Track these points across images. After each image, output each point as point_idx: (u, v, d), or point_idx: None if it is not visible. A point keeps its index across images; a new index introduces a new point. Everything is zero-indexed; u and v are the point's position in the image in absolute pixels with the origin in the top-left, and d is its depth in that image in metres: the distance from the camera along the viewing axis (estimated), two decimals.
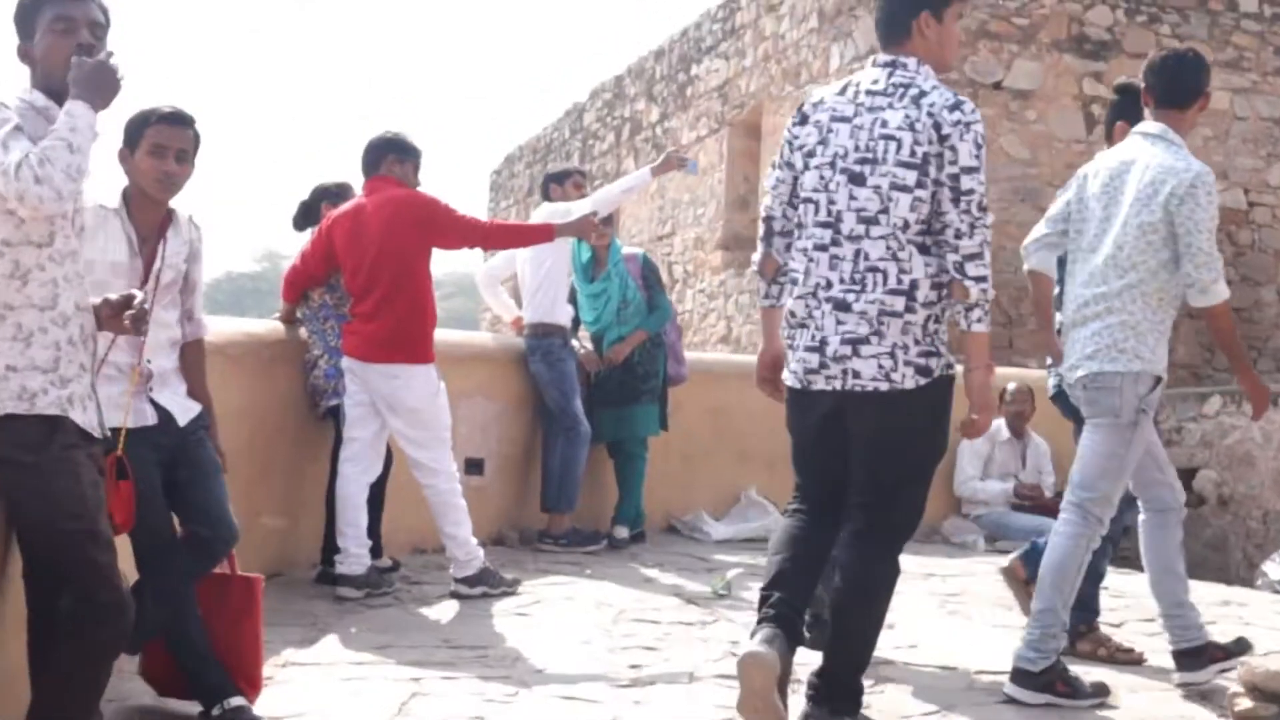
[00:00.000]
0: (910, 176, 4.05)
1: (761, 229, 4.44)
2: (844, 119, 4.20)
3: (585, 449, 7.94)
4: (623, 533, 8.12)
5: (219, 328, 6.18)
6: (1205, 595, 7.43)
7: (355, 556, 6.29)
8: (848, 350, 4.11)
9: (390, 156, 6.61)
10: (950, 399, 4.28)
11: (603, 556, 7.75)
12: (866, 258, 4.10)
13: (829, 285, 4.15)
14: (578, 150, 21.19)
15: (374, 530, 6.59)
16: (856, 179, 4.13)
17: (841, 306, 4.11)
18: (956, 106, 4.08)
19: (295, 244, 7.16)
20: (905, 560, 7.94)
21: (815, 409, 4.25)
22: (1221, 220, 12.46)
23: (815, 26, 14.03)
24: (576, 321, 8.33)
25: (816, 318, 4.17)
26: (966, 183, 4.03)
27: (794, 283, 4.26)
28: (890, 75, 4.19)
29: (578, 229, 6.93)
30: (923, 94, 4.11)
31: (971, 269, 4.03)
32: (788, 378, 4.33)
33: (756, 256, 4.46)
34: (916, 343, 4.10)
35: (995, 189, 12.15)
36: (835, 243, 4.15)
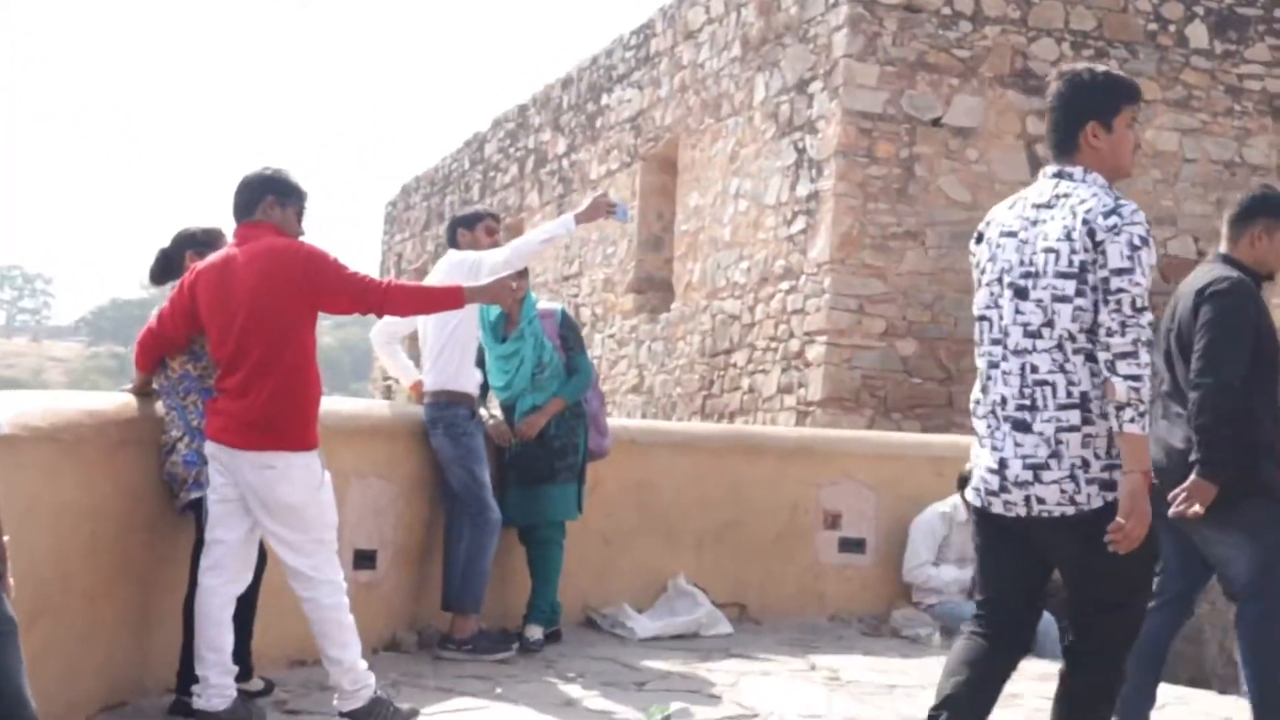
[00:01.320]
0: (1069, 286, 4.01)
1: None
2: (1011, 234, 4.17)
3: (494, 537, 6.87)
4: (536, 633, 7.04)
5: (49, 406, 5.07)
6: (1203, 707, 6.54)
7: (217, 688, 5.16)
8: (1029, 476, 4.03)
9: (268, 198, 5.48)
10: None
11: (515, 664, 6.66)
12: (1035, 371, 4.04)
13: (1004, 403, 4.10)
14: (478, 183, 20.14)
15: (242, 648, 5.47)
16: (1020, 293, 4.09)
17: (1020, 427, 4.06)
18: (1113, 212, 3.99)
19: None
20: (857, 668, 6.96)
21: (997, 530, 4.19)
22: (1169, 270, 11.77)
23: (738, 55, 13.11)
24: (485, 387, 7.27)
25: (997, 438, 4.11)
26: (1115, 283, 3.95)
27: (975, 401, 4.23)
28: (1055, 186, 4.15)
29: (491, 294, 5.84)
30: (1081, 201, 4.05)
31: (1123, 367, 3.92)
32: (970, 494, 4.26)
33: None
34: (1098, 457, 3.99)
35: (933, 233, 11.31)
36: (1005, 359, 4.11)
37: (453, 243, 7.20)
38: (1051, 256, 4.01)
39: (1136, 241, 3.93)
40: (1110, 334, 3.92)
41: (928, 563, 8.24)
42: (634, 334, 14.76)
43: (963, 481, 8.36)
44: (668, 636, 7.51)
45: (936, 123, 11.37)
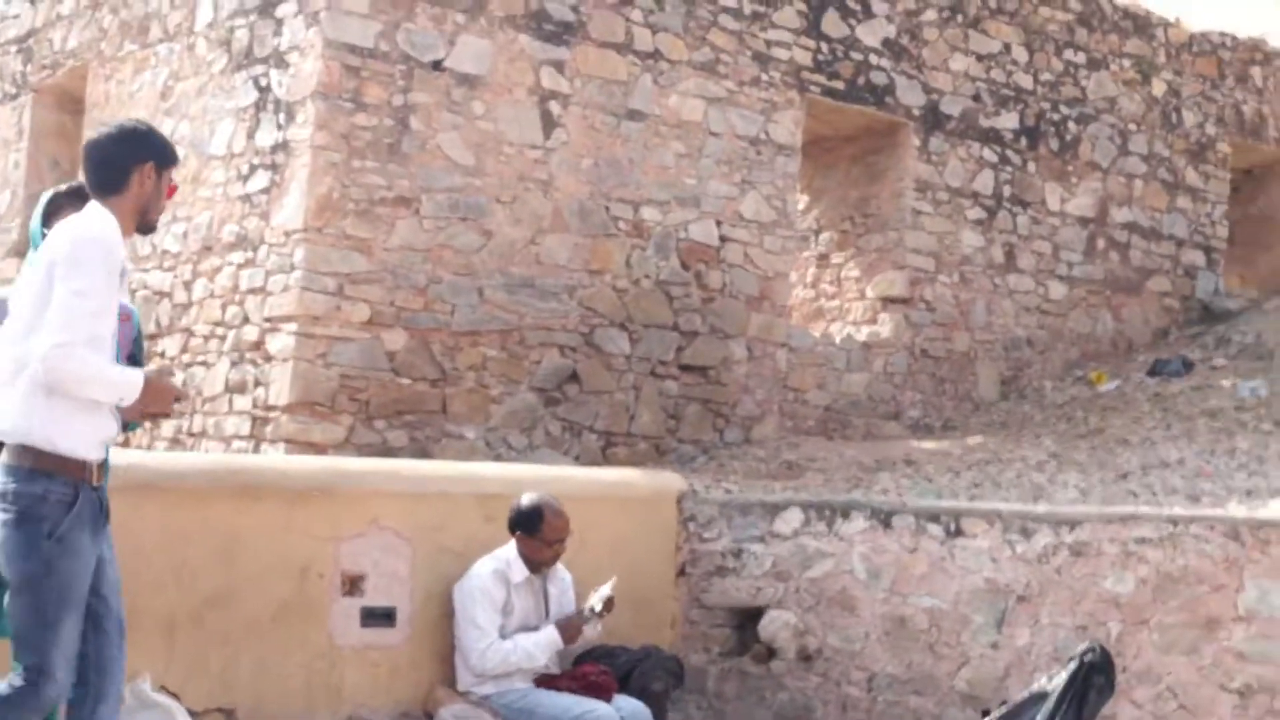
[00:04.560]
0: None
1: None
2: None
3: None
4: None
5: None
6: None
7: None
8: None
9: None
10: None
11: None
12: None
13: None
14: None
15: None
16: None
17: None
18: None
19: None
20: None
21: None
22: (691, 259, 10.23)
23: None
24: None
25: None
26: None
27: None
28: None
29: None
30: None
31: None
32: None
33: None
34: None
35: (429, 201, 9.20)
36: None
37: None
38: None
39: None
40: None
41: (496, 640, 6.13)
42: None
43: (515, 524, 6.35)
44: None
45: (438, 66, 9.24)
